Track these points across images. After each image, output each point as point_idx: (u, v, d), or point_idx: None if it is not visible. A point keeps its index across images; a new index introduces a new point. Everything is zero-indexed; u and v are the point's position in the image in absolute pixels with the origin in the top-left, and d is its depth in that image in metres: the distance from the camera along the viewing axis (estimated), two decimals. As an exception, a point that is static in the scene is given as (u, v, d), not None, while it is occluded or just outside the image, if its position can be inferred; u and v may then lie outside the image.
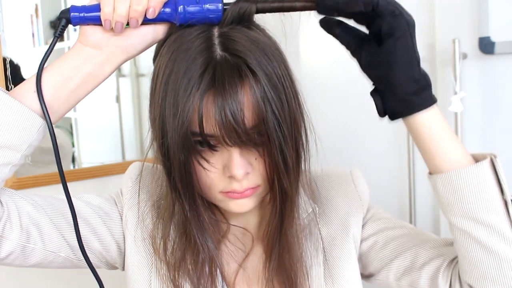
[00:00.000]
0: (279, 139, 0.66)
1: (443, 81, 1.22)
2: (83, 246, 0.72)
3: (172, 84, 0.64)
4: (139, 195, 0.81)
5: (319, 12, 0.67)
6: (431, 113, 0.67)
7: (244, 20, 0.68)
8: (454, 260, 0.73)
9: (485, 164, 0.65)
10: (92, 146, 1.52)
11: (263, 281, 0.78)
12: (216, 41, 0.65)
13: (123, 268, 0.82)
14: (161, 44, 0.71)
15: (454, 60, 1.16)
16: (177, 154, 0.65)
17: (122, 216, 0.80)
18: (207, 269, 0.75)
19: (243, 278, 0.79)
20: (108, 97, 1.56)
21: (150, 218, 0.79)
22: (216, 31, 0.66)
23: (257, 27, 0.70)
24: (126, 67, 1.56)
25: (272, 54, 0.66)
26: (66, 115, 1.33)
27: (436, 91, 1.24)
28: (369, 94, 0.70)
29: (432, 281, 0.74)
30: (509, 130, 1.16)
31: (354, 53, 0.69)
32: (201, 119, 0.63)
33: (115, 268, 0.83)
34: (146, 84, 1.58)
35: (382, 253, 0.80)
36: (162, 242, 0.76)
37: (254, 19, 0.71)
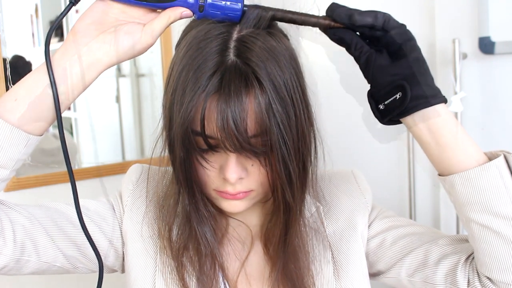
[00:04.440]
0: (283, 152, 0.66)
1: (443, 81, 1.22)
2: (93, 243, 0.72)
3: (183, 79, 0.65)
4: (147, 191, 0.81)
5: (335, 17, 0.70)
6: (446, 108, 0.70)
7: (264, 25, 0.68)
8: (470, 256, 0.75)
9: (501, 160, 0.67)
10: (92, 146, 1.52)
11: (268, 282, 0.78)
12: (232, 45, 0.65)
13: (122, 271, 0.82)
14: (183, 35, 0.72)
15: (454, 60, 1.15)
16: (179, 148, 0.66)
17: (120, 220, 0.80)
18: (209, 261, 0.75)
19: (245, 275, 0.80)
20: (108, 97, 1.56)
21: (153, 213, 0.80)
22: (235, 34, 0.67)
23: (279, 33, 0.71)
24: (126, 67, 1.56)
25: (285, 65, 0.66)
26: (66, 115, 1.33)
27: (436, 91, 1.25)
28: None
29: (448, 277, 0.75)
30: (509, 130, 1.15)
31: (368, 60, 0.71)
32: (203, 120, 0.63)
33: (114, 271, 0.84)
34: (146, 84, 1.58)
35: (392, 250, 0.80)
36: (167, 229, 0.77)
37: (277, 24, 0.72)
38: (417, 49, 0.70)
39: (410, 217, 1.36)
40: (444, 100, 0.69)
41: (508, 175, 0.68)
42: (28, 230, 0.71)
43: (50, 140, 1.37)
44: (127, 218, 0.79)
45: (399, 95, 0.68)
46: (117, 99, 1.57)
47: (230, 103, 0.62)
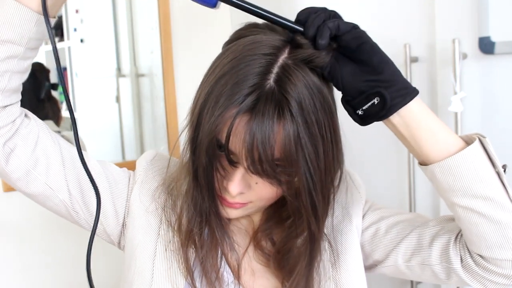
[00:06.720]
0: (309, 186, 0.68)
1: (443, 81, 1.22)
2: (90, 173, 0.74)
3: (219, 88, 0.66)
4: (167, 170, 0.82)
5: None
6: (420, 100, 0.70)
7: (314, 66, 0.68)
8: (459, 235, 0.77)
9: (477, 145, 0.69)
10: (92, 146, 1.52)
11: (270, 276, 0.81)
12: (275, 70, 0.66)
13: (119, 244, 0.84)
14: (235, 38, 0.72)
15: (454, 60, 1.15)
16: (203, 155, 0.67)
17: (131, 191, 0.82)
18: (214, 251, 0.77)
19: (247, 264, 0.82)
20: (108, 97, 1.56)
21: (164, 196, 0.81)
22: (281, 59, 0.67)
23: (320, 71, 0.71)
24: (126, 67, 1.56)
25: (321, 103, 0.68)
26: (66, 115, 1.34)
27: (436, 91, 1.24)
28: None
29: (442, 256, 0.78)
30: (509, 130, 1.15)
31: (333, 77, 0.70)
32: (229, 135, 0.65)
33: (112, 241, 0.85)
34: (146, 84, 1.58)
35: (386, 238, 0.83)
36: (177, 219, 0.78)
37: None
38: (376, 50, 0.68)
39: (410, 217, 1.36)
40: (417, 93, 0.69)
41: (484, 158, 0.69)
42: (48, 151, 0.73)
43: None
44: (136, 189, 0.81)
45: (377, 100, 0.68)
46: (117, 99, 1.57)
47: (261, 126, 0.63)
